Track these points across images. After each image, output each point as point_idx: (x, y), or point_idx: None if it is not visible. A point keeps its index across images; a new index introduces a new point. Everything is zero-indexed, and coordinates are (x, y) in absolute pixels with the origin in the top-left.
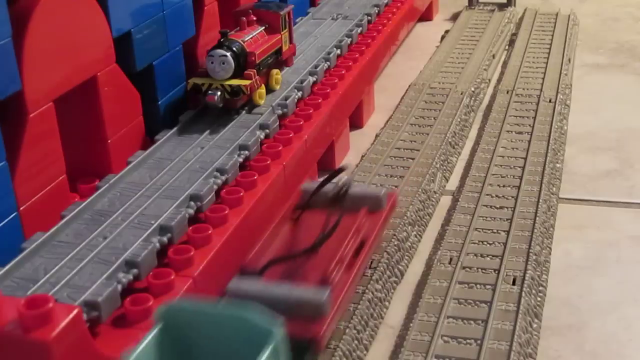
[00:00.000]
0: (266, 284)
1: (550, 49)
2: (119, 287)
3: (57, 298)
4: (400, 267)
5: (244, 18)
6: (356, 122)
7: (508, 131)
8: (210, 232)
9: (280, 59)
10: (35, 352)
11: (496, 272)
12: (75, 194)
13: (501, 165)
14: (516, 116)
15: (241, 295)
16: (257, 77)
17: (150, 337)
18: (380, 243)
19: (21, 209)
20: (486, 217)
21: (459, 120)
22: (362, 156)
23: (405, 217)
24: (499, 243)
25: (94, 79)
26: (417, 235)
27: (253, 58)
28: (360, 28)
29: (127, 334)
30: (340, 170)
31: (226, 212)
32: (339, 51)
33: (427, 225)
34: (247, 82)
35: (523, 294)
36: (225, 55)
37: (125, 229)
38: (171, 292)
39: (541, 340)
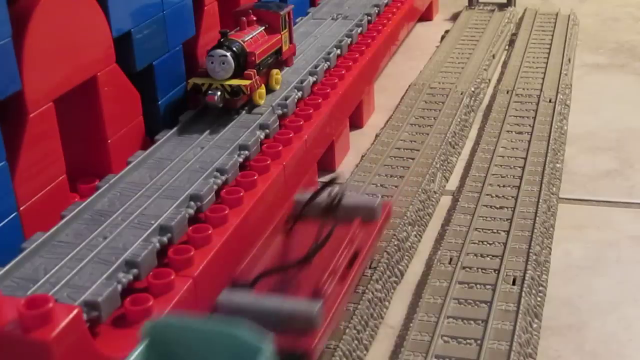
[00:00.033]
0: (257, 296)
1: (550, 49)
2: (119, 287)
3: (57, 298)
4: (400, 267)
5: (244, 18)
6: (356, 122)
7: (508, 131)
8: (210, 232)
9: (280, 59)
10: (35, 352)
11: (496, 272)
12: (75, 194)
13: (501, 165)
14: (516, 116)
15: (232, 308)
16: (257, 77)
17: (136, 353)
18: (375, 254)
19: (21, 209)
20: (486, 217)
21: (459, 120)
22: (362, 156)
23: (405, 217)
24: (499, 243)
25: (94, 79)
26: (417, 235)
27: (253, 58)
28: (360, 28)
29: (127, 334)
30: (333, 180)
31: (226, 212)
32: (339, 51)
33: (427, 225)
34: (247, 82)
35: (523, 294)
36: (225, 55)
37: (125, 229)
38: (171, 292)
39: (541, 340)
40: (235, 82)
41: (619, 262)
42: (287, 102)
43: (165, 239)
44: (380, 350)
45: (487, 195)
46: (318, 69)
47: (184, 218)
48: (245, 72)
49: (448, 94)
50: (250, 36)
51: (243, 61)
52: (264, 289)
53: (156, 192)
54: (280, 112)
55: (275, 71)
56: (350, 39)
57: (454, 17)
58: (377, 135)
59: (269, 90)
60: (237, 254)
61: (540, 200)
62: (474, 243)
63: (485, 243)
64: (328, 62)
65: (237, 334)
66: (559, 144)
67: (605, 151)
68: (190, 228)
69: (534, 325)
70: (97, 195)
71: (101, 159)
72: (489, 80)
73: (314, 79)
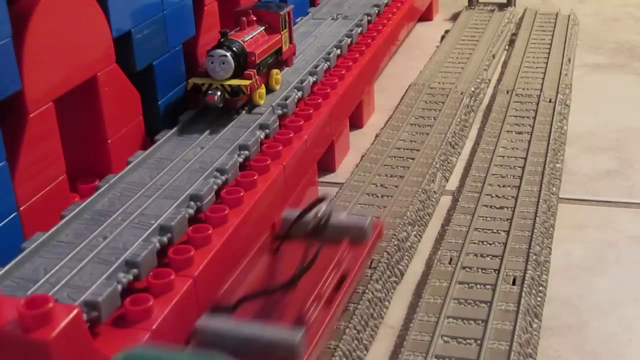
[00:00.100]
0: (237, 322)
1: (550, 49)
2: (119, 287)
3: (57, 298)
4: (400, 267)
5: (244, 18)
6: (356, 122)
7: (508, 131)
8: (210, 232)
9: (280, 59)
10: (35, 352)
11: (496, 272)
12: (75, 194)
13: (501, 165)
14: (516, 116)
15: (210, 334)
16: (257, 77)
17: None
18: (363, 276)
19: (21, 209)
20: (486, 217)
21: (459, 120)
22: (362, 156)
23: (405, 217)
24: (499, 243)
25: (94, 79)
26: (417, 235)
27: (253, 58)
28: (360, 28)
29: (127, 334)
30: (320, 200)
31: (226, 212)
32: (339, 51)
33: (427, 225)
34: (247, 82)
35: (523, 294)
36: (225, 55)
37: (125, 229)
38: (171, 292)
39: (541, 340)
40: (235, 82)
41: (619, 262)
42: (287, 102)
43: (165, 239)
44: (380, 350)
45: (487, 195)
46: (318, 69)
47: (184, 218)
48: (245, 72)
49: (448, 94)
50: (250, 36)
51: (243, 61)
52: (245, 313)
53: (156, 192)
54: (280, 112)
55: (275, 71)
56: (350, 39)
57: (454, 17)
58: (377, 135)
59: (269, 90)
60: (238, 254)
61: (540, 200)
62: (474, 243)
63: (485, 243)
64: (328, 62)
65: None
66: (559, 144)
67: (605, 151)
68: (190, 228)
69: (534, 325)
70: (97, 195)
71: (101, 159)
72: (489, 80)
73: (314, 79)
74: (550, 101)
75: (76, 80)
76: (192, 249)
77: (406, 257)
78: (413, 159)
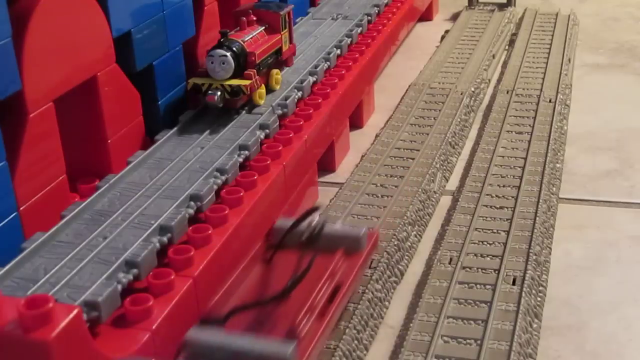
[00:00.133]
0: (228, 334)
1: (550, 49)
2: (119, 287)
3: (57, 298)
4: (400, 267)
5: (244, 18)
6: (356, 122)
7: (508, 131)
8: (210, 232)
9: (280, 59)
10: (35, 352)
11: (496, 272)
12: (75, 194)
13: (501, 165)
14: (516, 116)
15: (200, 347)
16: (257, 77)
17: None
18: (358, 288)
19: (21, 209)
20: (486, 217)
21: (459, 120)
22: (362, 156)
23: (405, 217)
24: (499, 243)
25: (94, 79)
26: (417, 235)
27: (253, 58)
28: (360, 28)
29: (127, 334)
30: (313, 210)
31: (226, 212)
32: (339, 51)
33: (427, 225)
34: (247, 82)
35: (523, 294)
36: (225, 55)
37: (125, 229)
38: (171, 292)
39: (541, 340)
40: (235, 82)
41: (619, 262)
42: (287, 102)
43: (165, 239)
44: (380, 350)
45: (487, 195)
46: (318, 69)
47: (184, 218)
48: (245, 72)
49: (448, 94)
50: (250, 36)
51: (243, 61)
52: (236, 326)
53: (156, 192)
54: (280, 112)
55: (275, 71)
56: (350, 39)
57: (454, 17)
58: (377, 135)
59: (269, 90)
60: (238, 254)
61: (540, 200)
62: (474, 243)
63: (485, 243)
64: (328, 62)
65: None
66: (559, 144)
67: (605, 151)
68: (190, 228)
69: (534, 325)
70: (97, 195)
71: (101, 159)
72: (489, 80)
73: (314, 79)
74: (550, 101)
75: (76, 80)
76: (192, 249)
77: (406, 257)
78: (413, 159)
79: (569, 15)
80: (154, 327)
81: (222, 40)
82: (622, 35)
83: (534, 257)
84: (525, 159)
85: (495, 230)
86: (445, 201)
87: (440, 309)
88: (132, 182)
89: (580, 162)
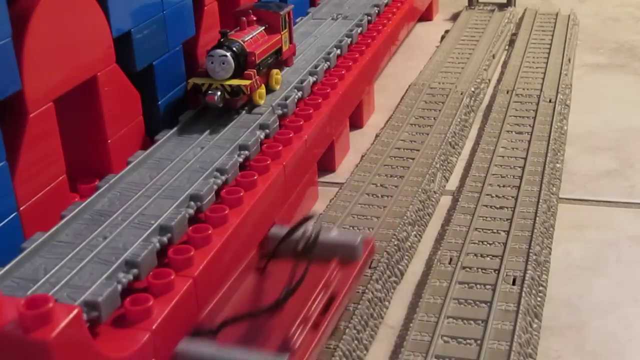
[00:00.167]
0: (220, 347)
1: (550, 49)
2: (119, 287)
3: (57, 298)
4: (400, 267)
5: (244, 18)
6: (356, 122)
7: (508, 131)
8: (210, 232)
9: (280, 59)
10: (35, 352)
11: (496, 272)
12: (75, 194)
13: (501, 165)
14: (516, 116)
15: (191, 359)
16: (257, 77)
17: None
18: (353, 298)
19: (21, 209)
20: (486, 217)
21: (459, 120)
22: (362, 156)
23: (405, 217)
24: (499, 243)
25: (94, 79)
26: (417, 235)
27: (253, 58)
28: (360, 28)
29: (127, 334)
30: (307, 219)
31: (226, 212)
32: (339, 51)
33: (427, 225)
34: (247, 82)
35: (523, 294)
36: (225, 55)
37: (125, 229)
38: (171, 292)
39: (541, 340)
40: (235, 82)
41: (619, 262)
42: (287, 102)
43: (165, 239)
44: (380, 350)
45: (487, 195)
46: (318, 69)
47: (184, 218)
48: (245, 72)
49: (448, 94)
50: (250, 36)
51: (243, 61)
52: (228, 337)
53: (156, 192)
54: (280, 112)
55: (275, 71)
56: (350, 39)
57: (454, 17)
58: (377, 135)
59: (269, 90)
60: (238, 254)
61: (540, 200)
62: (474, 243)
63: (485, 243)
64: (328, 62)
65: None
66: (559, 144)
67: (605, 151)
68: (190, 228)
69: (534, 325)
70: (97, 195)
71: (101, 159)
72: (489, 80)
73: (314, 79)
74: (550, 101)
75: (76, 80)
76: (192, 249)
77: (406, 257)
78: (413, 159)
79: (569, 15)
80: (154, 327)
81: (222, 40)
82: (622, 35)
83: (534, 257)
84: (525, 159)
85: (495, 230)
86: (445, 201)
87: (440, 309)
88: (132, 182)
89: (580, 162)
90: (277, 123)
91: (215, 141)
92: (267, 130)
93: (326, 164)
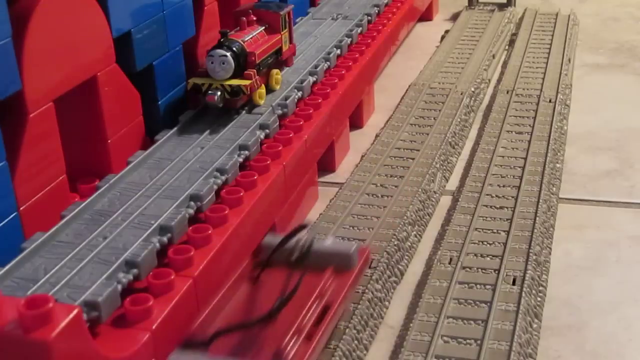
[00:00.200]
0: (212, 358)
1: (550, 49)
2: (119, 287)
3: (57, 298)
4: (400, 267)
5: (244, 18)
6: (356, 122)
7: (508, 131)
8: (210, 232)
9: (280, 59)
10: (35, 352)
11: (496, 272)
12: (75, 194)
13: (501, 165)
14: (516, 116)
15: None
16: (257, 77)
17: None
18: (348, 307)
19: (21, 209)
20: (486, 217)
21: (459, 120)
22: (362, 156)
23: (405, 217)
24: (499, 243)
25: (94, 79)
26: (417, 235)
27: (253, 58)
28: (360, 28)
29: (127, 334)
30: (301, 228)
31: (226, 212)
32: (339, 51)
33: (427, 225)
34: (247, 82)
35: (523, 294)
36: (225, 55)
37: (125, 229)
38: (171, 292)
39: (541, 340)
40: (235, 82)
41: (619, 262)
42: (287, 102)
43: (165, 239)
44: (380, 350)
45: (487, 195)
46: (318, 69)
47: (184, 218)
48: (245, 72)
49: (448, 94)
50: (250, 36)
51: (243, 61)
52: (221, 349)
53: (156, 192)
54: (280, 112)
55: (275, 71)
56: (350, 39)
57: (454, 17)
58: (377, 135)
59: (269, 90)
60: (238, 254)
61: (540, 200)
62: (474, 243)
63: (485, 243)
64: (328, 62)
65: None
66: (559, 144)
67: (605, 151)
68: (190, 228)
69: (534, 325)
70: (97, 195)
71: (101, 159)
72: (489, 80)
73: (314, 79)
74: (550, 101)
75: (76, 80)
76: (192, 249)
77: (406, 257)
78: (413, 159)
79: (569, 15)
80: (154, 327)
81: (222, 40)
82: (622, 35)
83: (534, 257)
84: (525, 159)
85: (495, 230)
86: (445, 201)
87: (440, 309)
88: (132, 182)
89: (580, 162)
90: (277, 123)
91: (215, 141)
92: (267, 130)
93: (326, 164)
